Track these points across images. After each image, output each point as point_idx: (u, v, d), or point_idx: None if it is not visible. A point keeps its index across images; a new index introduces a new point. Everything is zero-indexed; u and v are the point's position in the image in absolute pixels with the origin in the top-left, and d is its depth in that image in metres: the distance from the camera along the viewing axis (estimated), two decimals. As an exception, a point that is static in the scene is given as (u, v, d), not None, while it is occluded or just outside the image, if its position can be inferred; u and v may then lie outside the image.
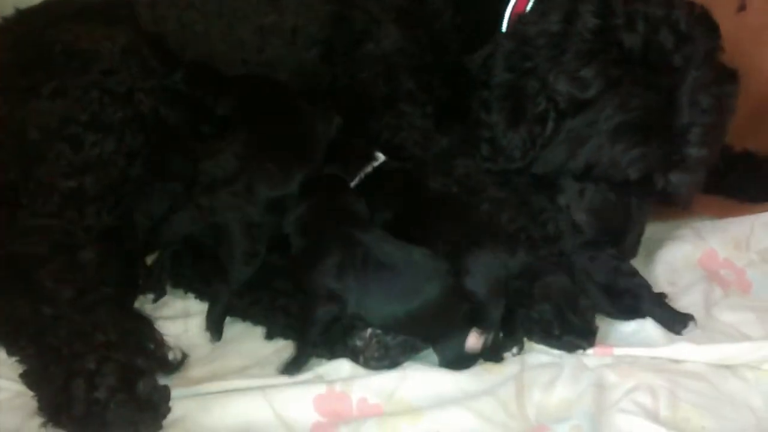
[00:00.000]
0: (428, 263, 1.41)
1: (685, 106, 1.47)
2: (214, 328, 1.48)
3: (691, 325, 1.47)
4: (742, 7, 1.90)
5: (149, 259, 1.67)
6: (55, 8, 1.90)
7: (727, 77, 1.56)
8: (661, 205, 1.64)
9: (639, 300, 1.50)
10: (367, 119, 1.80)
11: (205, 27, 1.89)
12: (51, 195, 1.57)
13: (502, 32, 1.69)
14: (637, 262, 1.65)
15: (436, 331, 1.39)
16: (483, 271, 1.43)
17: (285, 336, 1.48)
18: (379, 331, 1.37)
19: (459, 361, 1.39)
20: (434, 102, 1.82)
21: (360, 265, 1.39)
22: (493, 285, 1.43)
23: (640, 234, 1.61)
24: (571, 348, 1.44)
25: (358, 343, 1.37)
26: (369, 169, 1.66)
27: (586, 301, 1.48)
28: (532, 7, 1.66)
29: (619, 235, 1.58)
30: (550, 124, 1.55)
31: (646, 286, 1.52)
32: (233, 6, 1.90)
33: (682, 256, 1.68)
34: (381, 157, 1.67)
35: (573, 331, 1.44)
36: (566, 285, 1.48)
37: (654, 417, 1.30)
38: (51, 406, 1.26)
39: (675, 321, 1.48)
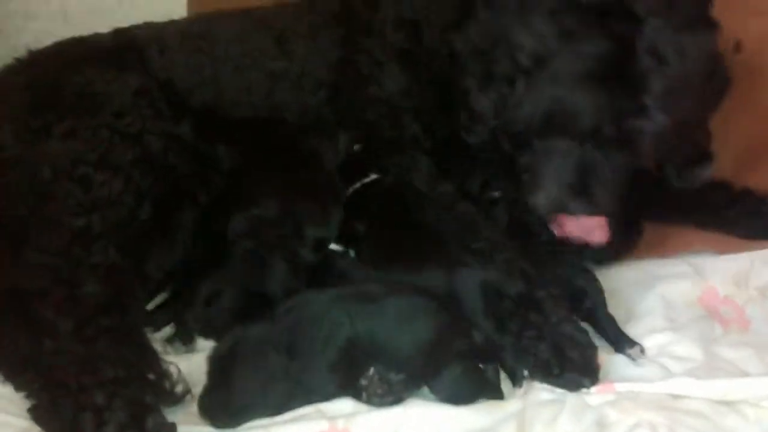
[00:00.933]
0: (416, 302, 1.42)
1: (643, 54, 1.45)
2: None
3: (636, 348, 1.52)
4: (737, 48, 1.93)
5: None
6: (67, 50, 1.96)
7: (703, 25, 1.53)
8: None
9: (596, 308, 1.57)
10: (375, 157, 1.84)
11: (213, 71, 1.94)
12: (59, 232, 1.60)
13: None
14: (633, 298, 1.68)
15: (428, 370, 1.39)
16: (472, 293, 1.48)
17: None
18: (381, 368, 1.39)
19: (456, 397, 1.39)
20: (437, 143, 1.86)
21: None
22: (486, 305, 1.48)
23: (615, 188, 1.58)
24: (572, 386, 1.44)
25: (363, 381, 1.38)
26: (357, 185, 1.74)
27: (585, 337, 1.49)
28: None
29: (587, 191, 1.56)
30: (520, 83, 1.55)
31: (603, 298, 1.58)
32: (242, 51, 1.95)
33: (681, 294, 1.69)
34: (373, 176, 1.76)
35: (574, 369, 1.44)
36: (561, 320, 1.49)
37: (654, 454, 1.30)
38: None
39: (625, 342, 1.53)
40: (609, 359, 1.52)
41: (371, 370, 1.38)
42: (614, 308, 1.61)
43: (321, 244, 1.64)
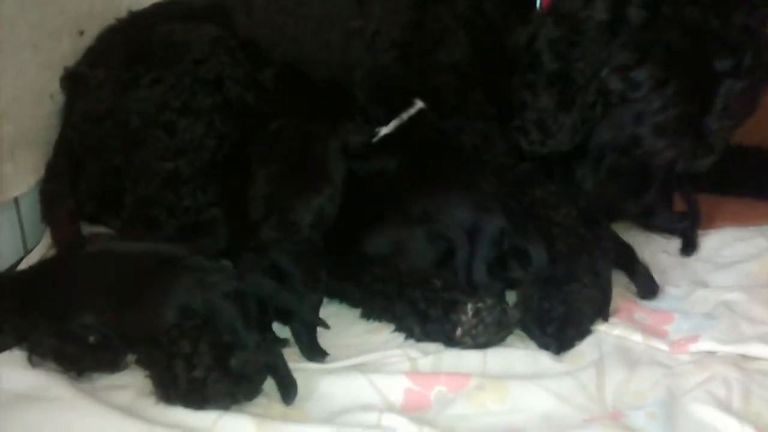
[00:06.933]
0: None
1: (718, 112, 1.55)
2: (314, 352, 1.51)
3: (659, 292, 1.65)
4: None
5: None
6: (161, 11, 2.06)
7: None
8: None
9: (632, 261, 1.68)
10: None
11: (295, 30, 2.01)
12: (150, 177, 1.72)
13: (538, 10, 1.75)
14: (706, 266, 1.74)
15: None
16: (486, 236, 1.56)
17: (380, 318, 1.59)
18: (480, 305, 1.45)
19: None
20: (502, 110, 1.88)
21: None
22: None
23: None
24: (544, 346, 1.50)
25: (463, 317, 1.45)
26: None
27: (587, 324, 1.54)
28: None
29: (640, 193, 1.68)
30: (598, 109, 1.63)
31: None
32: (323, 11, 2.02)
33: (758, 259, 1.72)
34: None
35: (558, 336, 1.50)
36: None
37: (726, 408, 1.34)
38: (161, 385, 1.39)
39: (651, 286, 1.65)
40: (683, 318, 1.58)
41: (469, 307, 1.45)
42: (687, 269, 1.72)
43: (319, 222, 1.66)
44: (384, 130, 1.84)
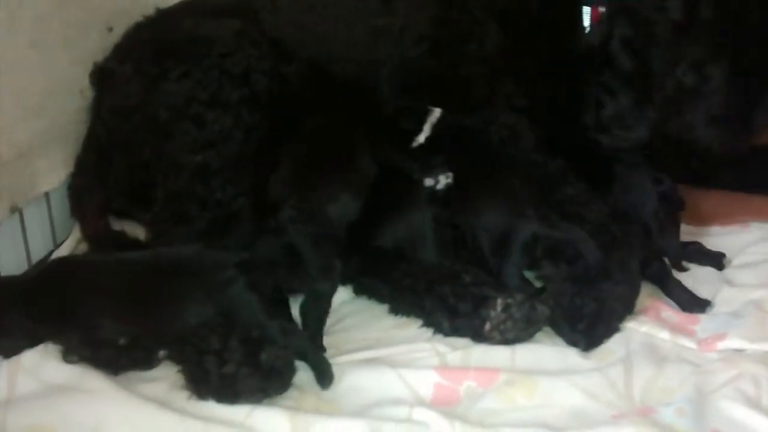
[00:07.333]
0: None
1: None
2: (315, 342, 1.49)
3: (708, 308, 1.60)
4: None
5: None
6: (189, 8, 2.07)
7: None
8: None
9: (665, 276, 1.65)
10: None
11: (324, 29, 2.03)
12: (180, 171, 1.73)
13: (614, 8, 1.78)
14: (733, 265, 1.73)
15: None
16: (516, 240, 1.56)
17: (409, 314, 1.59)
18: (510, 300, 1.47)
19: None
20: (534, 103, 1.91)
21: None
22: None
23: None
24: (571, 343, 1.50)
25: (492, 313, 1.46)
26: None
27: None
28: None
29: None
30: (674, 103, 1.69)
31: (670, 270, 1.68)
32: (350, 9, 2.04)
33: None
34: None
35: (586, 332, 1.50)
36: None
37: (756, 405, 1.34)
38: (192, 381, 1.40)
39: (694, 303, 1.61)
40: (710, 316, 1.58)
41: (498, 302, 1.46)
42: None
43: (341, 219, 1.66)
44: (420, 140, 1.85)
